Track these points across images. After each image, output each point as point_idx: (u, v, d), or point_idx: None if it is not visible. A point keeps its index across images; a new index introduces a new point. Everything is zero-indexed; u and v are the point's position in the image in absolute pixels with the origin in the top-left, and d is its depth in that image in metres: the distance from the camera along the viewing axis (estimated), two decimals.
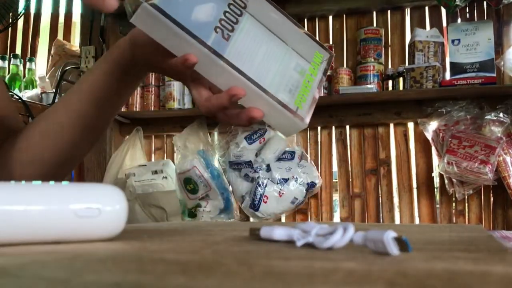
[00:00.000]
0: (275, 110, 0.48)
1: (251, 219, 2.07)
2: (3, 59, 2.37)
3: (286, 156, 2.05)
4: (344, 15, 2.18)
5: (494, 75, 1.84)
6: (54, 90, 2.26)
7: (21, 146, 0.65)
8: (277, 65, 0.50)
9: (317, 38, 2.25)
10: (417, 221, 2.02)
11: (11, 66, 2.38)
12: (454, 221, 1.96)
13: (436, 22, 2.05)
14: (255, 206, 1.99)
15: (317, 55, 0.54)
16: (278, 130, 0.51)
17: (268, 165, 2.02)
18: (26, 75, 2.47)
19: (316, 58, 0.53)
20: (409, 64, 1.95)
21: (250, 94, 0.48)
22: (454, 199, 1.96)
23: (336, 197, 2.17)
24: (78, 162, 0.70)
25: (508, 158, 1.78)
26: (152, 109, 2.25)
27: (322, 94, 2.00)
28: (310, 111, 0.50)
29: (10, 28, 2.44)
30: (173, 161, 2.23)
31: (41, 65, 2.81)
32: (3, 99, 0.71)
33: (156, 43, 0.49)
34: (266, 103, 0.48)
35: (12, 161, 0.65)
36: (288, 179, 2.00)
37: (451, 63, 1.90)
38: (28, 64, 2.47)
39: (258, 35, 0.50)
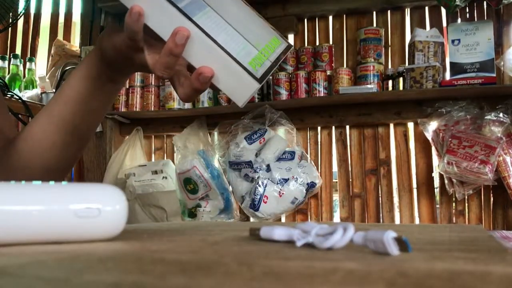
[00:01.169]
0: (228, 67, 0.47)
1: (251, 219, 2.07)
2: (3, 59, 2.37)
3: (286, 156, 2.05)
4: (344, 15, 2.18)
5: (494, 75, 1.84)
6: (54, 90, 2.26)
7: (11, 153, 0.66)
8: (236, 40, 0.50)
9: (317, 38, 2.26)
10: (417, 221, 2.02)
11: (11, 66, 2.38)
12: (454, 221, 1.96)
13: (436, 22, 2.05)
14: (255, 206, 1.99)
15: (275, 40, 0.53)
16: (230, 95, 0.49)
17: (268, 165, 2.02)
18: (26, 75, 2.47)
19: (273, 42, 0.53)
20: (409, 64, 1.95)
21: (202, 47, 0.46)
22: (454, 199, 1.96)
23: (336, 197, 2.17)
24: (68, 168, 0.70)
25: (508, 158, 1.78)
26: (152, 109, 2.25)
27: (322, 95, 2.00)
28: (265, 76, 0.49)
29: (10, 28, 2.44)
30: (173, 161, 2.23)
31: (41, 65, 2.81)
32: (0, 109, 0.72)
33: (118, 43, 0.53)
34: (218, 59, 0.47)
35: (3, 168, 0.66)
36: (288, 179, 2.00)
37: (451, 63, 1.90)
38: (28, 64, 2.47)
39: (219, 19, 0.50)
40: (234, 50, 0.47)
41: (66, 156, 0.67)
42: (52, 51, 2.65)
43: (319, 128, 2.17)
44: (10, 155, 0.66)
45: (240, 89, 0.47)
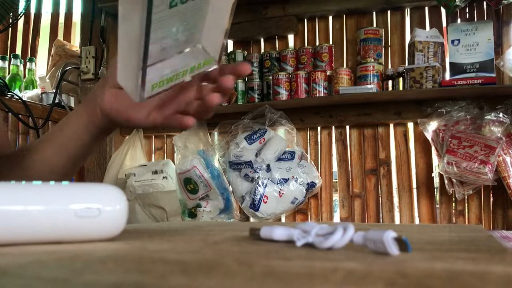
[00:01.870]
0: (131, 73, 0.47)
1: (251, 219, 2.07)
2: (3, 59, 2.37)
3: (286, 156, 2.05)
4: (344, 15, 2.18)
5: (494, 75, 1.84)
6: (54, 90, 2.26)
7: (3, 170, 0.71)
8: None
9: (317, 38, 2.26)
10: (417, 221, 2.02)
11: (11, 66, 2.38)
12: (454, 221, 1.96)
13: (436, 22, 2.05)
14: (255, 206, 1.99)
15: (210, 60, 0.52)
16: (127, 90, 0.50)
17: (268, 165, 2.02)
18: (26, 75, 2.47)
19: (206, 62, 0.52)
20: (409, 64, 1.95)
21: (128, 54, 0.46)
22: (454, 199, 1.96)
23: (336, 197, 2.17)
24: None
25: (508, 158, 1.78)
26: None
27: (322, 95, 2.00)
28: (152, 94, 0.50)
29: (10, 28, 2.44)
30: (173, 161, 2.23)
31: (41, 65, 2.81)
32: None
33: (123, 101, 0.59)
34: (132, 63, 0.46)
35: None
36: (288, 179, 2.00)
37: (451, 63, 1.90)
38: (28, 64, 2.47)
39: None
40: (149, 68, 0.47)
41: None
42: (52, 51, 2.65)
43: (319, 128, 2.17)
44: (8, 172, 0.69)
45: (131, 91, 0.49)
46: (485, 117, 1.83)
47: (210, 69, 0.53)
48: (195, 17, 0.48)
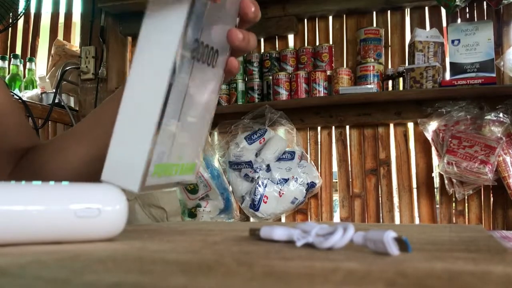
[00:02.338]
0: (132, 144, 0.39)
1: (251, 219, 2.07)
2: (3, 59, 2.37)
3: (286, 156, 2.05)
4: (344, 15, 2.18)
5: (494, 75, 1.84)
6: (54, 90, 2.26)
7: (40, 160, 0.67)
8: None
9: (317, 38, 2.26)
10: (417, 221, 2.02)
11: (11, 66, 2.38)
12: (454, 221, 1.96)
13: (436, 22, 2.05)
14: (255, 206, 1.99)
15: (192, 166, 0.49)
16: (107, 170, 0.40)
17: (268, 165, 2.02)
18: (26, 75, 2.47)
19: (190, 167, 0.49)
20: (409, 64, 1.95)
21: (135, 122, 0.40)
22: (454, 199, 1.96)
23: (336, 197, 2.17)
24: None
25: (508, 158, 1.78)
26: None
27: (322, 95, 2.00)
28: (148, 189, 0.41)
29: (10, 28, 2.44)
30: None
31: (41, 65, 2.81)
32: (20, 119, 0.72)
33: None
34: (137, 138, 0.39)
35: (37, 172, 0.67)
36: (288, 179, 2.00)
37: (451, 63, 1.90)
38: (28, 64, 2.47)
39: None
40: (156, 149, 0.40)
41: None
42: (52, 51, 2.64)
43: (319, 128, 2.17)
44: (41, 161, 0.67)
45: (120, 174, 0.39)
46: (485, 117, 1.83)
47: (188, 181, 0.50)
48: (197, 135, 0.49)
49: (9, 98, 0.71)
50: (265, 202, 1.98)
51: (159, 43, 0.41)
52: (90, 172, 0.63)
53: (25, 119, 0.77)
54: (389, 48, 2.11)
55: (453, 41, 1.90)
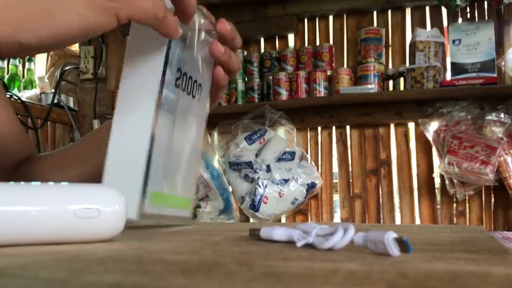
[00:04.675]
0: (130, 172, 0.41)
1: (251, 220, 2.07)
2: (2, 59, 2.37)
3: (286, 156, 2.05)
4: (345, 15, 2.18)
5: (495, 75, 1.84)
6: (53, 90, 2.26)
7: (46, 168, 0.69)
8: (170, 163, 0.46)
9: (317, 38, 2.26)
10: (417, 221, 2.02)
11: (10, 66, 2.38)
12: (454, 221, 1.96)
13: (436, 22, 2.05)
14: (255, 207, 1.98)
15: (188, 201, 0.51)
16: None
17: (268, 166, 2.02)
18: (25, 75, 2.47)
19: (186, 201, 0.50)
20: (409, 64, 1.95)
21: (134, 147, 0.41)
22: (454, 199, 1.96)
23: (336, 197, 2.17)
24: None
25: (509, 159, 1.78)
26: None
27: (322, 95, 2.00)
28: (147, 218, 0.43)
29: None
30: None
31: (40, 65, 2.80)
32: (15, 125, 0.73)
33: None
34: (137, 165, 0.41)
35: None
36: (288, 179, 2.00)
37: (452, 63, 1.90)
38: (27, 64, 2.47)
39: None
40: (155, 166, 0.42)
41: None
42: (51, 51, 2.64)
43: (319, 128, 2.17)
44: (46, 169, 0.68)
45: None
46: (486, 117, 1.83)
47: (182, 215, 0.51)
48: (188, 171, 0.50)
49: (4, 103, 0.71)
50: (265, 203, 1.98)
51: (144, 69, 0.43)
52: None
53: (21, 128, 0.77)
54: (390, 48, 2.11)
55: (454, 41, 1.90)
